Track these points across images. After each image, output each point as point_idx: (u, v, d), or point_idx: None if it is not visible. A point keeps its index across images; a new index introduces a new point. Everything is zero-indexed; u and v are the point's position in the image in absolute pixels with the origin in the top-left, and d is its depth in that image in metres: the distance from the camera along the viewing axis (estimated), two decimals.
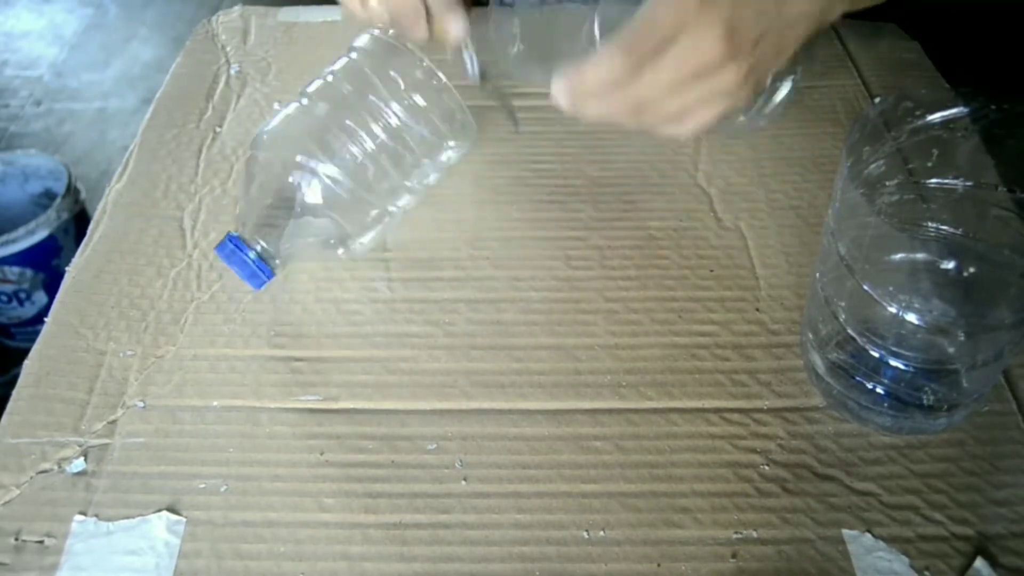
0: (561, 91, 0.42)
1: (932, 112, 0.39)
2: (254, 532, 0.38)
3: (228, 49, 0.65)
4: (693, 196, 0.53)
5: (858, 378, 0.40)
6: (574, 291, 0.48)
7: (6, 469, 0.40)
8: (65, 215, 1.20)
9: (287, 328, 0.46)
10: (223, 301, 0.47)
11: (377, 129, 0.45)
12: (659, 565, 0.37)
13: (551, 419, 0.42)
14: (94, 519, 0.38)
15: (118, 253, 0.50)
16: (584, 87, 0.41)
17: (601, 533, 0.38)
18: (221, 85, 0.61)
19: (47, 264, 1.20)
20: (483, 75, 0.53)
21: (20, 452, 0.41)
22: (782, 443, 0.41)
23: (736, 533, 0.37)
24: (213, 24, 0.67)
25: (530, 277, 0.48)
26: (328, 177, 0.44)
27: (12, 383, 0.43)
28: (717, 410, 0.42)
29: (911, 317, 0.37)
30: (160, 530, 0.38)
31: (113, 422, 0.42)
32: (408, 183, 0.48)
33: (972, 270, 0.34)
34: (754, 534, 0.37)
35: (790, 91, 0.51)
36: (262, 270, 0.44)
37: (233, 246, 0.44)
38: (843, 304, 0.40)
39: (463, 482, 0.39)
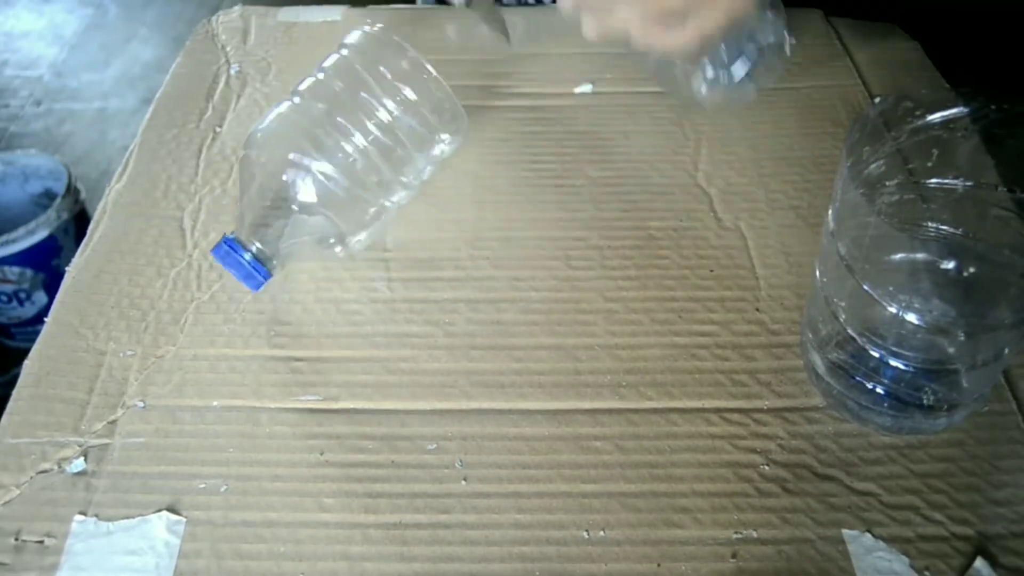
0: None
1: (932, 112, 0.39)
2: (254, 532, 0.38)
3: (228, 49, 0.65)
4: (693, 196, 0.53)
5: (858, 378, 0.40)
6: (574, 291, 0.48)
7: (6, 469, 0.40)
8: (65, 215, 1.20)
9: (287, 328, 0.46)
10: (223, 301, 0.47)
11: (369, 125, 0.45)
12: (659, 565, 0.37)
13: (551, 419, 0.42)
14: (94, 519, 0.38)
15: (118, 253, 0.50)
16: None
17: (601, 533, 0.38)
18: (221, 85, 0.61)
19: (47, 264, 1.20)
20: None
21: (20, 452, 0.41)
22: (782, 443, 0.41)
23: (736, 533, 0.37)
24: (213, 24, 0.67)
25: (530, 277, 0.48)
26: (321, 174, 0.44)
27: (12, 383, 0.43)
28: (717, 410, 0.42)
29: (911, 317, 0.37)
30: (160, 530, 0.38)
31: (113, 422, 0.42)
32: (402, 178, 0.48)
33: (972, 270, 0.34)
34: (754, 534, 0.37)
35: (751, 69, 0.52)
36: (258, 271, 0.44)
37: (228, 248, 0.44)
38: (843, 304, 0.40)
39: (463, 482, 0.39)
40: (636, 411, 0.42)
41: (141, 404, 0.42)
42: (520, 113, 0.58)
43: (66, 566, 0.37)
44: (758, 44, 0.52)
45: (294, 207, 0.45)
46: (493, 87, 0.61)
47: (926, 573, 0.36)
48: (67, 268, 0.49)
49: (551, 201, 0.53)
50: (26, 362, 0.45)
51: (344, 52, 0.48)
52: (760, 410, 0.42)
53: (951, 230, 0.41)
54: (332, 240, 0.47)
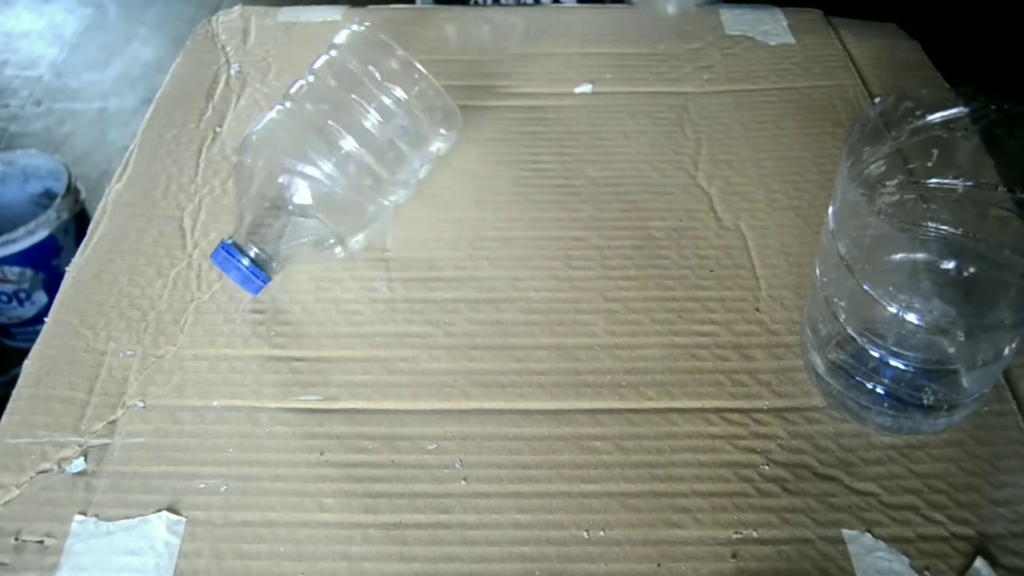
0: None
1: (932, 112, 0.39)
2: (254, 532, 0.38)
3: (228, 49, 0.65)
4: (693, 196, 0.53)
5: (858, 378, 0.40)
6: (574, 291, 0.48)
7: (6, 469, 0.40)
8: (65, 215, 1.20)
9: (287, 328, 0.46)
10: (223, 301, 0.47)
11: (361, 126, 0.45)
12: (659, 565, 0.37)
13: (551, 419, 0.42)
14: (94, 519, 0.38)
15: (118, 253, 0.50)
16: None
17: (601, 533, 0.38)
18: (221, 85, 0.61)
19: (47, 264, 1.20)
20: None
21: (20, 452, 0.41)
22: (782, 443, 0.41)
23: (736, 533, 0.37)
24: (213, 24, 0.67)
25: (530, 277, 0.48)
26: (316, 177, 0.44)
27: (12, 383, 0.43)
28: (717, 410, 0.42)
29: (911, 317, 0.37)
30: (160, 530, 0.38)
31: (113, 422, 0.42)
32: (398, 176, 0.48)
33: (972, 270, 0.35)
34: (754, 534, 0.37)
35: None
36: (256, 275, 0.44)
37: (226, 253, 0.44)
38: (843, 304, 0.40)
39: (463, 482, 0.39)
40: (636, 411, 0.42)
41: (141, 404, 0.42)
42: (520, 113, 0.58)
43: (66, 566, 0.37)
44: None
45: (291, 209, 0.45)
46: (493, 87, 0.61)
47: (926, 573, 0.36)
48: (67, 268, 0.49)
49: (551, 201, 0.53)
50: (26, 362, 0.45)
51: (333, 53, 0.48)
52: (760, 410, 0.42)
53: (951, 230, 0.41)
54: (331, 241, 0.47)
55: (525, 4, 0.71)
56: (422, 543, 0.37)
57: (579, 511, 0.38)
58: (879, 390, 0.40)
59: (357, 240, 0.47)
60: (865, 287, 0.38)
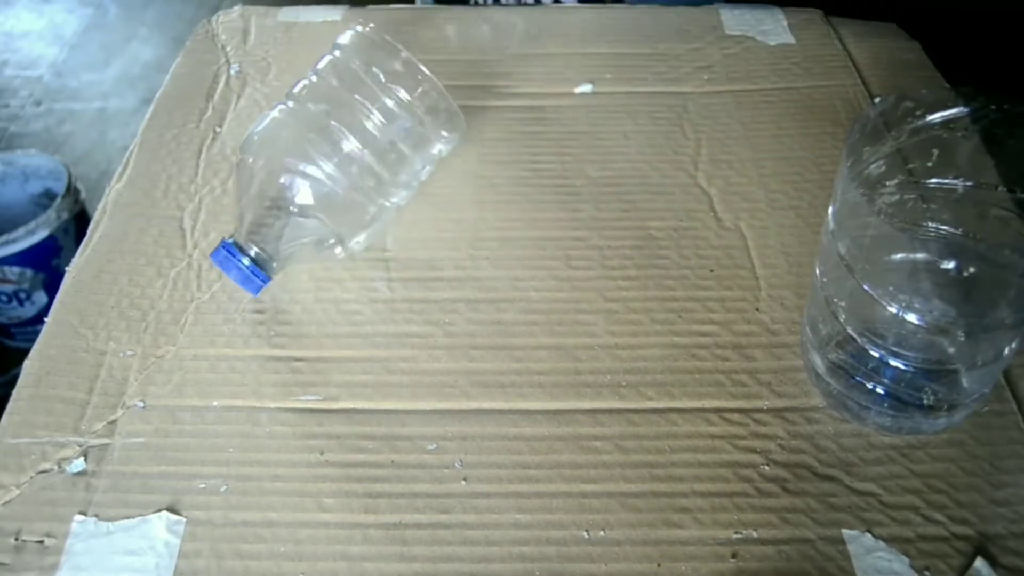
0: None
1: (932, 112, 0.39)
2: (254, 532, 0.38)
3: (228, 49, 0.65)
4: (693, 196, 0.53)
5: (858, 378, 0.40)
6: (574, 291, 0.48)
7: (6, 469, 0.40)
8: (65, 215, 1.20)
9: (287, 328, 0.46)
10: (223, 301, 0.47)
11: (363, 127, 0.45)
12: (659, 565, 0.36)
13: (551, 419, 0.42)
14: (94, 519, 0.38)
15: (118, 253, 0.50)
16: None
17: (601, 533, 0.38)
18: (221, 85, 0.61)
19: (47, 264, 1.20)
20: None
21: (20, 452, 0.41)
22: (782, 443, 0.41)
23: (736, 533, 0.37)
24: (213, 24, 0.67)
25: (530, 277, 0.48)
26: (318, 178, 0.44)
27: (12, 383, 0.43)
28: (717, 410, 0.42)
29: (911, 317, 0.37)
30: (160, 530, 0.38)
31: (113, 422, 0.42)
32: (400, 178, 0.48)
33: (972, 270, 0.35)
34: (754, 534, 0.37)
35: None
36: (256, 275, 0.44)
37: (227, 253, 0.44)
38: (843, 304, 0.40)
39: (463, 482, 0.39)
40: (636, 411, 0.42)
41: (141, 404, 0.42)
42: (520, 113, 0.58)
43: (66, 566, 0.37)
44: None
45: (292, 209, 0.45)
46: (493, 87, 0.61)
47: (926, 573, 0.36)
48: (67, 268, 0.49)
49: (551, 201, 0.53)
50: (26, 362, 0.45)
51: (337, 53, 0.48)
52: (760, 410, 0.42)
53: (951, 230, 0.41)
54: (332, 241, 0.47)
55: (525, 4, 0.71)
56: (422, 543, 0.37)
57: (579, 511, 0.38)
58: (879, 390, 0.40)
59: (358, 240, 0.47)
60: (865, 287, 0.38)
